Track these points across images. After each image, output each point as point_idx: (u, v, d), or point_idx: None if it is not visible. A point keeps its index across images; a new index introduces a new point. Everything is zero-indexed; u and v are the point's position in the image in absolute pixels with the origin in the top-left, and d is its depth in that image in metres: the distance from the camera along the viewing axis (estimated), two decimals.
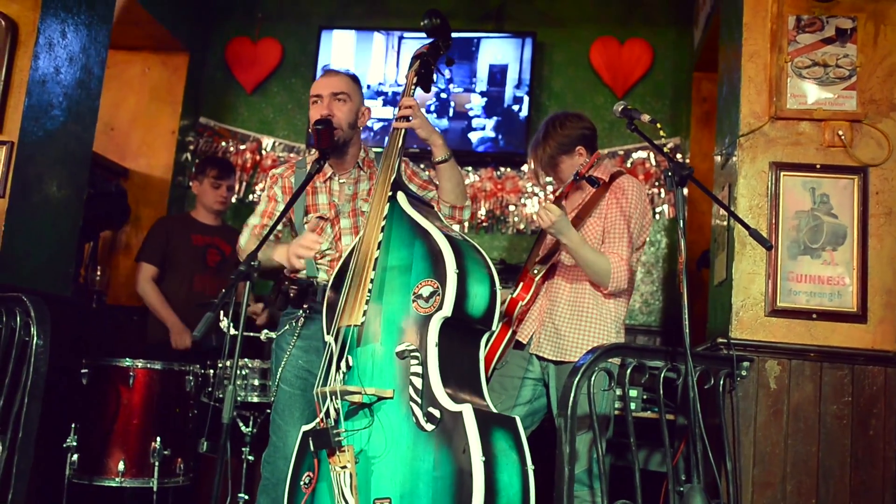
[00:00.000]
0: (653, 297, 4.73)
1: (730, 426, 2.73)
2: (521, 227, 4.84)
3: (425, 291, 2.40)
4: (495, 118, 4.85)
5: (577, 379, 2.49)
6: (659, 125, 2.69)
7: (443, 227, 2.54)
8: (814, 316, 2.87)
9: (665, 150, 4.59)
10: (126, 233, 4.85)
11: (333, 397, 2.41)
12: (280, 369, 2.82)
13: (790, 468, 2.78)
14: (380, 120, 4.91)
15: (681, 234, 2.46)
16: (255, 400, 3.33)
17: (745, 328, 2.88)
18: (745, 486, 2.76)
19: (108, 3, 3.82)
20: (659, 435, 2.60)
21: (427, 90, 2.93)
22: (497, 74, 4.88)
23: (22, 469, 2.69)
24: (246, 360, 3.37)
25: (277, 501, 2.65)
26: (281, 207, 2.89)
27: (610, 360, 2.61)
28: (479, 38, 4.93)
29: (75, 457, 3.30)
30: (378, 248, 2.55)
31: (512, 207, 4.86)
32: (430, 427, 2.26)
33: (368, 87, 4.91)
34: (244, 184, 5.06)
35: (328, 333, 2.55)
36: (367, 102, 2.99)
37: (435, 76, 2.93)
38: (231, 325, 2.87)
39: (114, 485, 3.30)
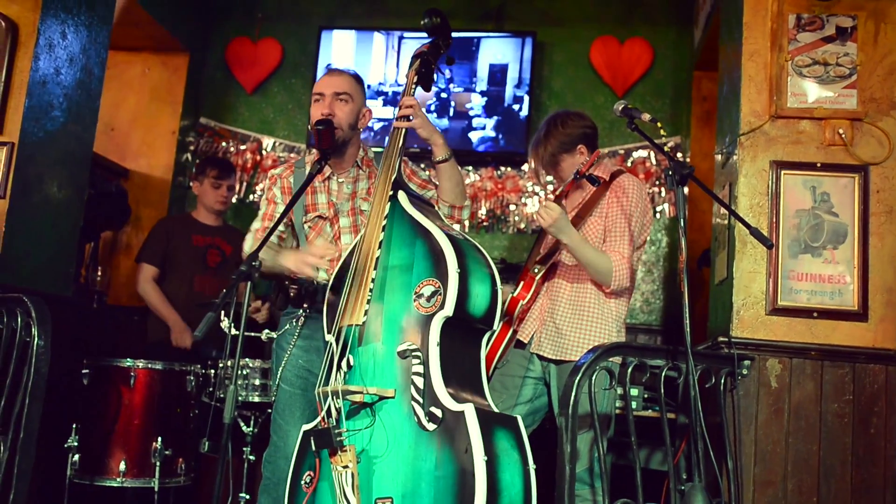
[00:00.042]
0: (653, 296, 4.73)
1: (731, 425, 2.73)
2: (522, 226, 4.84)
3: (427, 291, 2.40)
4: (495, 118, 4.85)
5: (578, 378, 2.49)
6: (659, 124, 2.69)
7: (444, 227, 2.54)
8: (815, 314, 2.87)
9: (665, 149, 4.59)
10: (126, 233, 4.85)
11: (335, 397, 2.41)
12: (280, 369, 2.82)
13: (791, 467, 2.78)
14: (380, 120, 4.91)
15: (681, 233, 2.46)
16: (256, 400, 3.33)
17: (745, 327, 2.88)
18: (747, 484, 2.76)
19: (108, 3, 3.82)
20: (660, 434, 2.60)
21: (427, 89, 2.93)
22: (497, 74, 4.88)
23: (23, 469, 2.69)
24: (247, 359, 3.37)
25: (278, 501, 2.65)
26: (281, 208, 2.89)
27: (611, 359, 2.61)
28: (479, 38, 4.93)
29: (76, 457, 3.30)
30: (379, 247, 2.55)
31: (512, 207, 4.86)
32: (431, 427, 2.26)
33: (369, 87, 4.90)
34: (244, 184, 5.06)
35: (329, 333, 2.55)
36: (368, 102, 2.99)
37: (435, 75, 2.92)
38: (232, 325, 2.88)
39: (115, 485, 3.30)
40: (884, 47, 2.99)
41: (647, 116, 2.62)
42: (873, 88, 2.97)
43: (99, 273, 4.66)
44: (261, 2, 5.24)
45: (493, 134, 4.84)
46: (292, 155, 5.04)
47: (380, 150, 2.99)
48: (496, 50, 4.91)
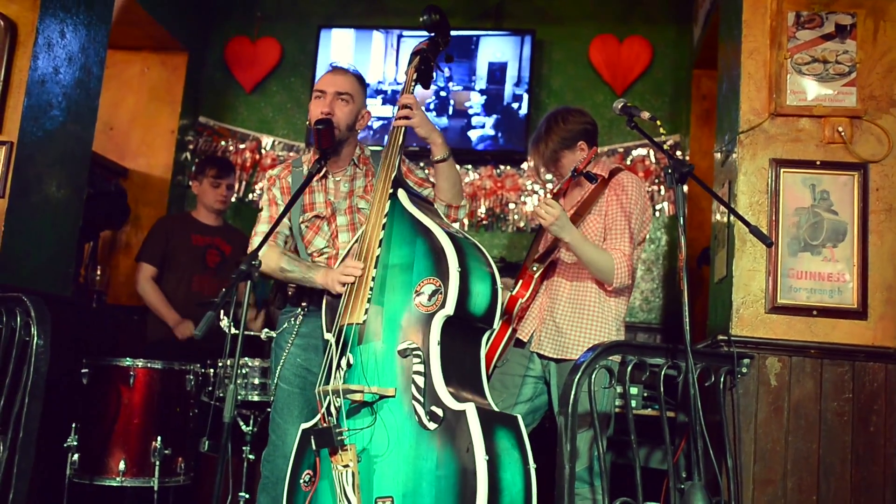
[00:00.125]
0: (653, 295, 4.73)
1: (730, 423, 2.73)
2: (521, 224, 4.84)
3: (427, 290, 2.39)
4: (495, 116, 4.84)
5: (577, 377, 2.49)
6: (659, 122, 2.69)
7: (444, 225, 2.54)
8: (814, 313, 2.87)
9: (665, 147, 4.59)
10: (126, 232, 4.85)
11: (335, 396, 2.41)
12: (279, 368, 2.82)
13: (791, 465, 2.78)
14: (379, 118, 4.91)
15: (681, 232, 2.46)
16: (256, 399, 3.33)
17: (745, 325, 2.88)
18: (746, 483, 2.76)
19: (106, 3, 3.82)
20: (660, 432, 2.60)
21: (427, 87, 2.92)
22: (496, 72, 4.88)
23: (23, 469, 2.69)
24: (246, 358, 3.37)
25: (277, 500, 2.65)
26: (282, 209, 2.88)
27: (610, 357, 2.61)
28: (478, 36, 4.93)
29: (76, 456, 3.30)
30: (379, 245, 2.55)
31: (512, 205, 4.86)
32: (432, 426, 2.26)
33: (368, 85, 4.90)
34: (244, 183, 5.06)
35: (329, 332, 2.55)
36: (367, 101, 2.98)
37: (434, 73, 2.92)
38: (231, 324, 2.88)
39: (114, 484, 3.30)
40: (883, 45, 2.99)
41: (646, 115, 2.62)
42: (873, 86, 2.97)
43: (98, 272, 4.66)
44: (260, 1, 5.24)
45: (492, 132, 4.84)
46: (291, 154, 5.04)
47: (378, 148, 2.98)
48: (495, 48, 4.91)
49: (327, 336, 2.55)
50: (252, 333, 3.31)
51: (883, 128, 2.94)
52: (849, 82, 2.97)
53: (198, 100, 5.16)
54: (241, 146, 5.11)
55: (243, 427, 3.37)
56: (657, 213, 4.75)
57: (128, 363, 3.40)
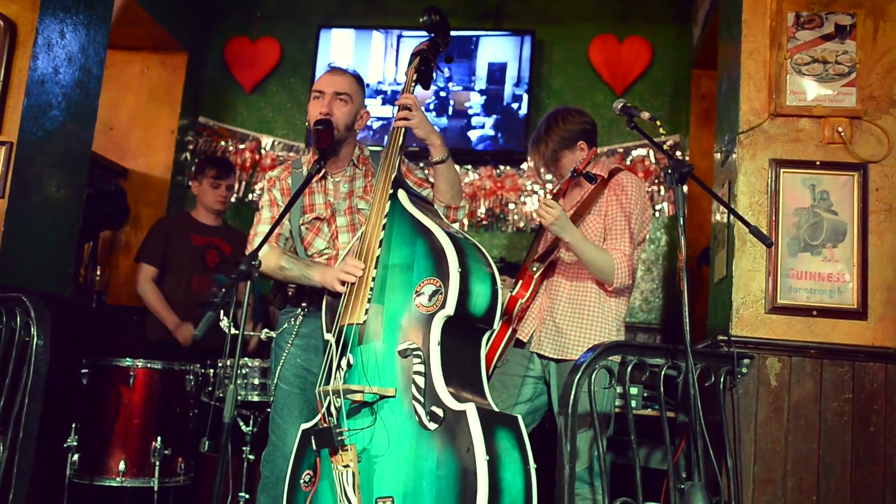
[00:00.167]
0: (653, 295, 4.73)
1: (730, 423, 2.73)
2: (521, 224, 4.84)
3: (428, 290, 2.39)
4: (494, 116, 4.84)
5: (577, 377, 2.49)
6: (658, 123, 2.69)
7: (444, 225, 2.54)
8: (814, 313, 2.87)
9: (665, 147, 4.59)
10: (126, 232, 4.85)
11: (335, 396, 2.41)
12: (279, 368, 2.82)
13: (791, 465, 2.78)
14: (379, 118, 4.91)
15: (681, 232, 2.46)
16: (256, 399, 3.33)
17: (745, 325, 2.88)
18: (746, 483, 2.76)
19: (106, 3, 3.81)
20: (660, 432, 2.60)
21: (427, 87, 2.93)
22: (496, 72, 4.88)
23: (23, 469, 2.69)
24: (246, 359, 3.37)
25: (277, 500, 2.65)
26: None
27: (610, 357, 2.61)
28: (478, 37, 4.93)
29: (76, 457, 3.30)
30: (379, 245, 2.55)
31: (511, 205, 4.86)
32: (432, 426, 2.26)
33: (368, 85, 4.90)
34: (244, 183, 5.06)
35: (329, 332, 2.55)
36: (367, 101, 2.98)
37: (434, 73, 2.92)
38: (231, 324, 2.88)
39: (114, 484, 3.30)
40: (883, 45, 2.99)
41: (646, 115, 2.62)
42: (872, 86, 2.97)
43: (98, 272, 4.66)
44: (259, 1, 5.24)
45: (492, 132, 4.84)
46: (291, 154, 5.04)
47: (377, 148, 2.98)
48: (495, 48, 4.91)
49: (327, 336, 2.55)
50: (252, 334, 3.31)
51: (883, 128, 2.94)
52: (848, 82, 2.97)
53: (197, 100, 5.16)
54: (241, 146, 5.11)
55: (243, 427, 3.37)
56: (657, 214, 4.75)
57: (128, 363, 3.40)
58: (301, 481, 2.46)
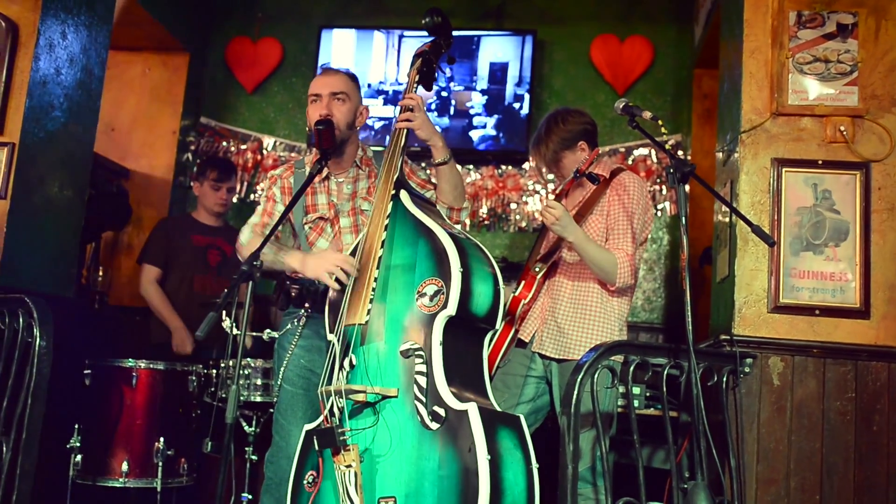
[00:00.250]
0: (655, 295, 4.73)
1: (733, 423, 2.73)
2: (523, 224, 4.84)
3: (430, 290, 2.39)
4: (496, 116, 4.84)
5: (580, 377, 2.49)
6: (660, 122, 2.69)
7: (446, 226, 2.54)
8: (817, 312, 2.87)
9: (666, 146, 4.58)
10: (128, 233, 4.85)
11: (338, 396, 2.41)
12: (282, 369, 2.82)
13: (794, 464, 2.78)
14: (380, 119, 4.91)
15: (683, 231, 2.46)
16: (258, 399, 3.33)
17: (747, 325, 2.88)
18: (749, 482, 2.76)
19: (108, 3, 3.82)
20: (662, 432, 2.60)
21: (429, 88, 2.93)
22: (498, 72, 4.87)
23: (26, 470, 2.69)
24: (248, 359, 3.37)
25: (281, 501, 2.65)
26: (280, 207, 2.89)
27: (613, 357, 2.61)
28: (479, 37, 4.93)
29: (79, 457, 3.30)
30: (381, 246, 2.55)
31: (513, 205, 4.85)
32: (434, 426, 2.26)
33: (369, 85, 4.91)
34: (245, 184, 5.05)
35: (331, 332, 2.55)
36: (368, 101, 2.99)
37: (436, 75, 2.92)
38: (233, 325, 2.87)
39: (117, 485, 3.30)
40: (885, 44, 2.98)
41: (647, 114, 2.62)
42: (874, 85, 2.97)
43: (100, 273, 4.66)
44: (260, 1, 5.24)
45: (493, 132, 4.84)
46: (293, 154, 5.04)
47: (379, 148, 2.98)
48: (496, 48, 4.91)
49: (330, 337, 2.55)
50: (254, 334, 3.31)
51: (885, 127, 2.94)
52: (850, 81, 2.97)
53: (199, 100, 5.16)
54: (243, 147, 5.11)
55: (246, 428, 3.37)
56: (659, 213, 4.74)
57: (130, 364, 3.40)
58: (304, 482, 2.46)
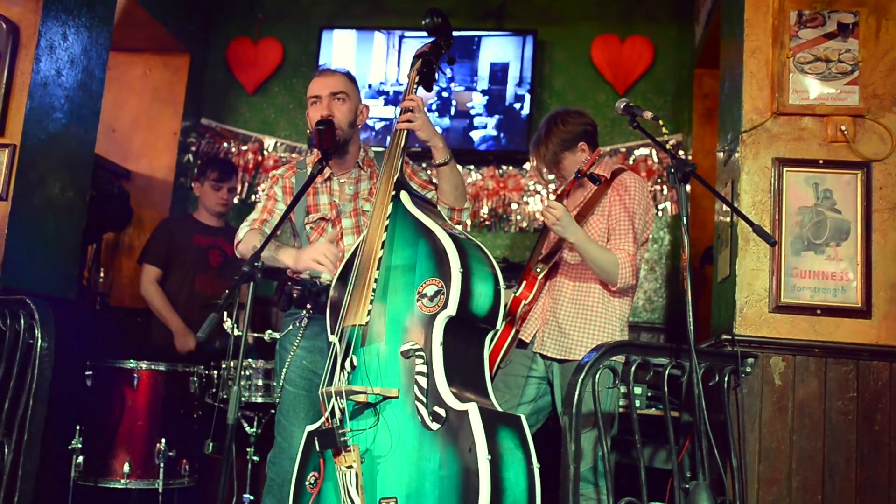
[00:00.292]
0: (656, 295, 4.73)
1: (735, 423, 2.73)
2: (524, 225, 4.84)
3: (430, 291, 2.39)
4: (497, 116, 4.84)
5: (581, 377, 2.49)
6: (661, 122, 2.69)
7: (446, 226, 2.54)
8: (818, 311, 2.87)
9: (667, 146, 4.59)
10: (129, 234, 4.85)
11: (338, 397, 2.41)
12: (284, 370, 2.82)
13: (795, 464, 2.78)
14: (381, 119, 4.91)
15: (684, 231, 2.46)
16: (260, 400, 3.33)
17: (749, 324, 2.88)
18: (751, 482, 2.76)
19: (108, 4, 3.82)
20: (664, 432, 2.60)
21: (429, 89, 2.93)
22: (498, 73, 4.87)
23: (27, 471, 2.69)
24: (250, 360, 3.37)
25: (283, 502, 2.66)
26: (281, 206, 2.89)
27: (614, 357, 2.61)
28: (479, 37, 4.93)
29: (80, 459, 3.30)
30: (382, 247, 2.55)
31: (514, 206, 4.85)
32: (435, 426, 2.26)
33: (370, 86, 4.91)
34: (246, 184, 5.05)
35: (332, 333, 2.55)
36: (369, 102, 2.99)
37: (437, 76, 2.92)
38: (235, 325, 2.87)
39: (119, 486, 3.30)
40: (886, 43, 2.98)
41: (648, 114, 2.62)
42: (875, 85, 2.97)
43: (101, 275, 4.66)
44: (261, 2, 5.24)
45: (494, 133, 4.84)
46: (294, 155, 5.04)
47: (380, 149, 2.98)
48: (497, 49, 4.91)
49: (331, 338, 2.55)
50: (256, 335, 3.31)
51: (886, 126, 2.94)
52: (851, 81, 2.97)
53: (200, 101, 5.17)
54: (244, 147, 5.11)
55: (247, 429, 3.37)
56: (660, 213, 4.74)
57: (131, 365, 3.41)
58: (306, 483, 2.46)
